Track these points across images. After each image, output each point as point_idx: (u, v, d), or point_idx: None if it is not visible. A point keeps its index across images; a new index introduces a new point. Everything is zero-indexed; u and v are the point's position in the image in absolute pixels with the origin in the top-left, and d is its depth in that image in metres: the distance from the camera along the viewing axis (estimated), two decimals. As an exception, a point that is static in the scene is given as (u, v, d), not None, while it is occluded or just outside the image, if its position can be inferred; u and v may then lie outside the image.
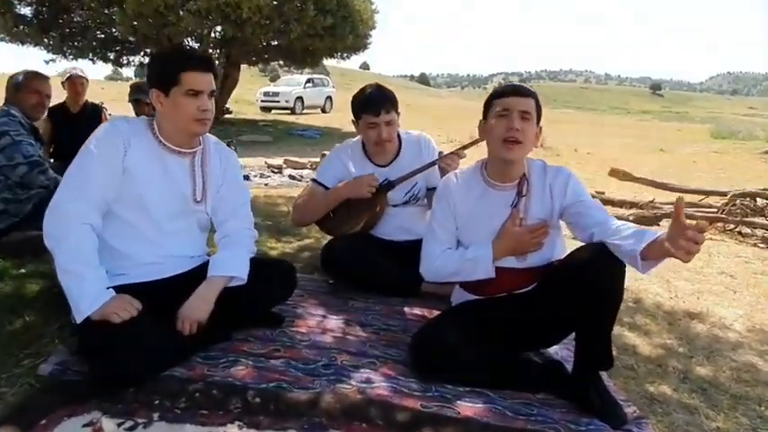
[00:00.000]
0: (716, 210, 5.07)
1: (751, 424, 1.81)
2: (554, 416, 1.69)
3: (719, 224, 4.86)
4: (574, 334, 1.85)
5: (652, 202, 5.44)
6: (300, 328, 2.14)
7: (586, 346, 1.80)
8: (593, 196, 2.16)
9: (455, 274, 2.02)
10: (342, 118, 17.46)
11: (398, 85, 68.07)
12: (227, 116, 15.02)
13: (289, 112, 20.77)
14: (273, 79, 35.15)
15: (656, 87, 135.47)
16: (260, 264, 2.03)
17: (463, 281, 2.06)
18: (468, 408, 1.68)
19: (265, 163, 7.35)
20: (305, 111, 21.40)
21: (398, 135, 2.67)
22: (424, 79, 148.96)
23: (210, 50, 13.54)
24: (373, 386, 1.75)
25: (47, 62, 13.43)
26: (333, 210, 2.63)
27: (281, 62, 16.71)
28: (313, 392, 1.67)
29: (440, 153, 2.62)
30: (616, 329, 1.86)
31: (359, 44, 14.60)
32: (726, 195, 5.07)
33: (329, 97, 23.61)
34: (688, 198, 6.06)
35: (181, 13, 11.09)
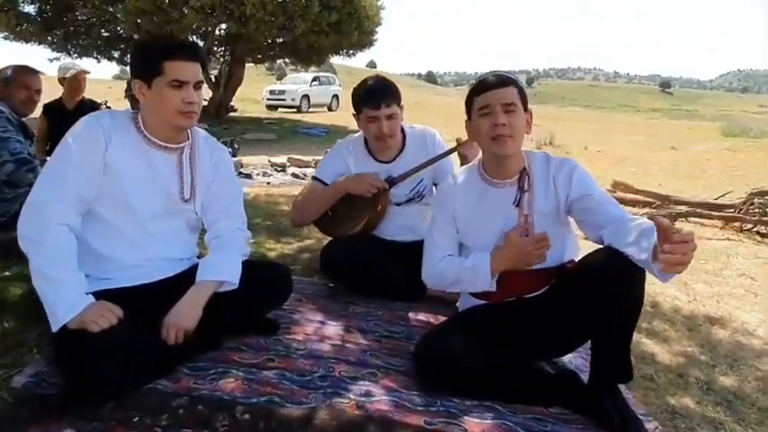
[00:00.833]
0: (733, 209, 4.89)
1: (781, 441, 1.67)
2: (569, 433, 1.55)
3: (737, 224, 4.69)
4: (589, 342, 1.71)
5: (667, 199, 5.26)
6: (297, 336, 2.01)
7: (603, 358, 1.67)
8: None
9: (456, 283, 1.89)
10: (348, 116, 17.27)
11: (406, 83, 67.92)
12: (231, 114, 14.94)
13: (295, 110, 20.68)
14: (280, 77, 35.12)
15: (665, 85, 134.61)
16: (253, 267, 1.91)
17: (467, 291, 1.94)
18: (476, 424, 1.55)
19: (269, 161, 7.23)
20: (311, 109, 21.32)
21: (402, 129, 2.53)
22: (431, 77, 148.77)
23: (215, 48, 13.47)
24: (373, 400, 1.62)
25: (51, 60, 13.39)
26: (331, 209, 2.50)
27: (287, 60, 16.62)
28: (307, 408, 1.54)
29: (457, 140, 2.46)
30: (633, 336, 1.73)
31: (364, 41, 14.46)
32: (734, 207, 4.88)
33: (336, 95, 23.50)
34: (703, 195, 5.90)
35: (184, 10, 11.00)
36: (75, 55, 13.49)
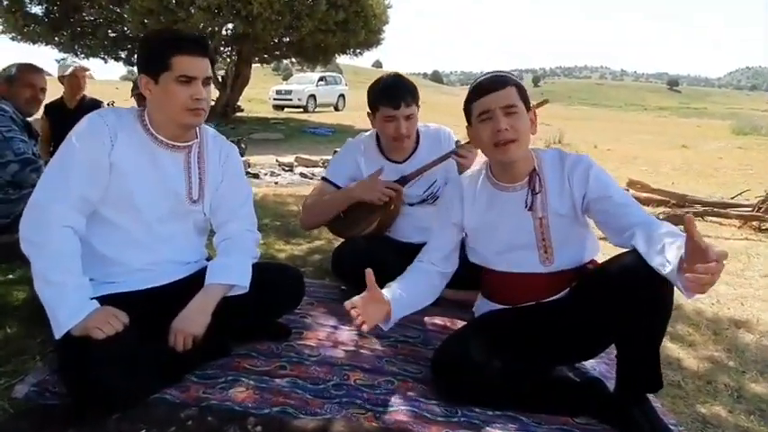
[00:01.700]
0: (750, 208, 4.77)
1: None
2: (598, 445, 1.47)
3: (755, 223, 4.57)
4: (613, 347, 1.63)
5: (683, 198, 5.14)
6: (309, 341, 1.94)
7: (631, 365, 1.57)
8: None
9: None
10: (355, 116, 17.28)
11: (411, 82, 67.39)
12: (238, 114, 14.90)
13: (301, 110, 20.66)
14: (286, 78, 35.10)
15: (673, 83, 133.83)
16: (264, 270, 1.83)
17: None
18: (499, 436, 1.46)
19: (276, 161, 7.18)
20: (317, 109, 21.29)
21: (416, 129, 2.45)
22: (437, 77, 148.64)
23: (221, 48, 13.43)
24: (390, 410, 1.54)
25: (58, 61, 13.37)
26: (343, 211, 2.41)
27: (293, 59, 16.57)
28: (322, 419, 1.47)
29: (457, 142, 2.37)
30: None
31: (371, 40, 14.39)
32: (752, 206, 4.76)
33: (342, 95, 23.48)
34: (719, 192, 5.78)
35: (191, 9, 10.97)
36: (83, 56, 13.49)
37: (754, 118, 28.86)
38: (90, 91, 4.26)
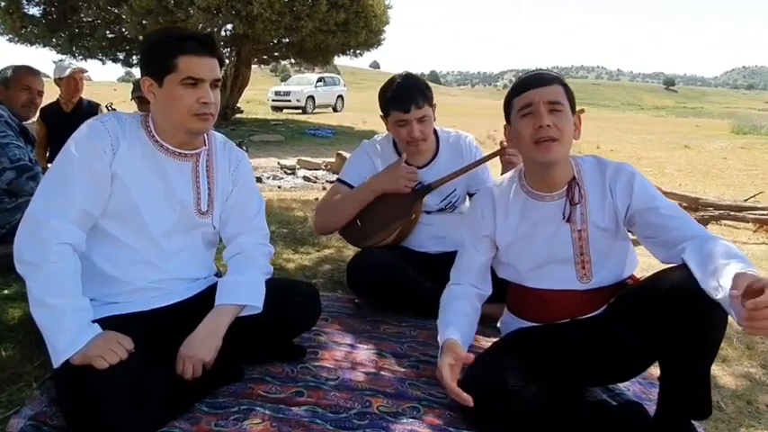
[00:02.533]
0: (765, 211, 4.66)
1: None
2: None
3: (771, 226, 4.47)
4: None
5: (697, 202, 5.02)
6: (326, 362, 1.81)
7: (676, 389, 1.44)
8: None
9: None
10: (354, 117, 17.16)
11: (409, 83, 67.31)
12: (237, 116, 14.78)
13: (300, 111, 20.56)
14: (284, 79, 34.98)
15: (669, 83, 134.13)
16: (277, 287, 1.70)
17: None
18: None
19: (278, 164, 7.06)
20: (316, 110, 21.22)
21: (435, 132, 2.32)
22: (434, 77, 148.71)
23: (221, 49, 13.29)
24: (418, 443, 1.41)
25: (55, 62, 13.23)
26: (361, 219, 2.28)
27: (293, 60, 16.44)
28: (346, 454, 1.34)
29: (501, 143, 2.23)
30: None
31: (372, 40, 14.24)
32: (765, 208, 4.64)
33: (341, 96, 23.43)
34: (727, 194, 5.67)
35: (190, 10, 10.82)
36: (80, 57, 13.32)
37: (753, 117, 28.85)
38: (88, 92, 4.12)
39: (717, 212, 4.64)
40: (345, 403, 1.57)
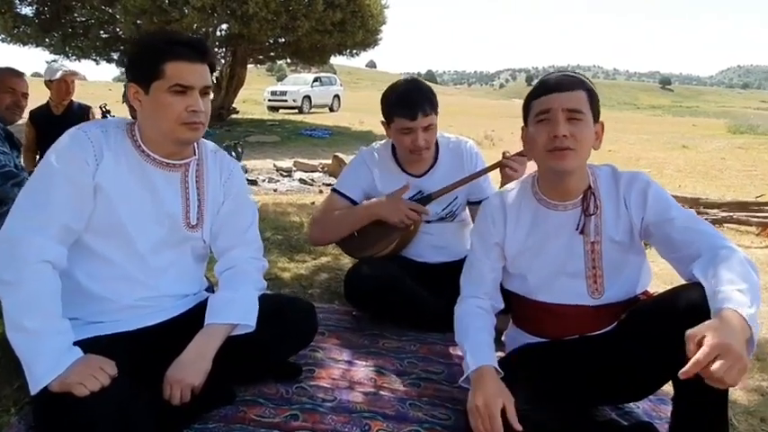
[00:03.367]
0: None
1: None
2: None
3: (774, 229, 4.40)
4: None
5: (697, 203, 4.96)
6: (322, 382, 1.73)
7: (691, 411, 1.36)
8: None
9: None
10: (350, 117, 17.07)
11: (406, 82, 67.27)
12: (233, 116, 14.69)
13: (296, 111, 20.48)
14: (280, 78, 34.88)
15: (665, 82, 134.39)
16: (271, 303, 1.61)
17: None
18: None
19: (274, 165, 6.96)
20: (312, 110, 21.17)
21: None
22: (430, 76, 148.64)
23: (216, 49, 13.18)
24: (421, 471, 1.33)
25: (48, 63, 13.12)
26: (358, 231, 2.20)
27: (289, 60, 16.35)
28: (344, 486, 1.25)
29: (504, 153, 2.13)
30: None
31: (369, 40, 14.17)
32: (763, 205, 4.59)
33: (337, 96, 23.38)
34: (728, 195, 5.60)
35: (185, 9, 10.71)
36: (74, 57, 13.22)
37: (748, 116, 28.88)
38: (82, 93, 4.03)
39: (720, 215, 4.57)
40: (343, 428, 1.49)
